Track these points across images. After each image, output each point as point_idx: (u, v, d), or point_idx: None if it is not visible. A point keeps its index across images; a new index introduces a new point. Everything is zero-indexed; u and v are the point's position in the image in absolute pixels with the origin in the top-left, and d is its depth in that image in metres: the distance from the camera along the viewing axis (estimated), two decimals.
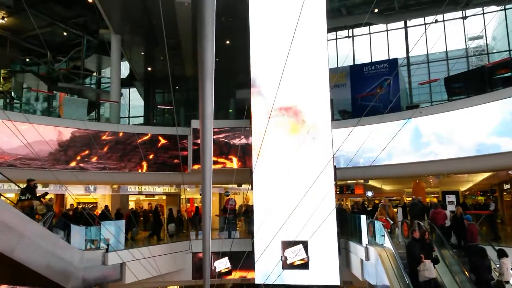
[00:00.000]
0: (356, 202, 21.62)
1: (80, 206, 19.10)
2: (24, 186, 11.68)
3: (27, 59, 28.37)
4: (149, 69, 26.27)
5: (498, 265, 9.69)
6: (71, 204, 16.21)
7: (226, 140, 17.76)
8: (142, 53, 24.39)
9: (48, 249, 8.91)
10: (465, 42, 25.12)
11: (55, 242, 9.59)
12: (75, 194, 16.33)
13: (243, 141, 17.54)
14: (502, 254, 9.77)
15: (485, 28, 25.13)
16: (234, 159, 17.57)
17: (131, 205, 22.83)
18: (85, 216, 11.70)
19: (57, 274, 9.22)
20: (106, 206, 17.00)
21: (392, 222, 13.18)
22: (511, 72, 16.47)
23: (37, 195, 11.79)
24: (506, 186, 20.02)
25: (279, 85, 13.98)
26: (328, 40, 16.95)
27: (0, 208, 7.64)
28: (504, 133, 12.86)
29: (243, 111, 17.75)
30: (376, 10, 23.82)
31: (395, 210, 14.56)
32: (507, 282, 9.39)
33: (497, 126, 13.08)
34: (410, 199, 22.84)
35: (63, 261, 9.69)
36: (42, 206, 12.09)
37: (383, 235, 12.64)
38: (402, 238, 13.14)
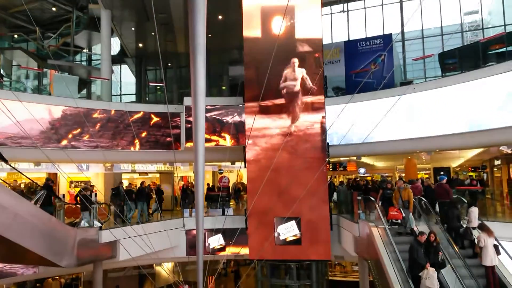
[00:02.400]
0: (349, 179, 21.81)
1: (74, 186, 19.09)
2: (42, 184, 11.82)
3: (16, 36, 27.74)
4: (141, 45, 25.82)
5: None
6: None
7: (219, 118, 17.65)
8: (133, 29, 23.91)
9: (41, 228, 8.91)
10: (460, 17, 24.87)
11: (49, 220, 9.58)
12: (67, 173, 16.27)
13: (236, 118, 17.44)
14: (471, 204, 11.53)
15: (481, 3, 24.84)
16: (228, 137, 17.51)
17: (125, 183, 22.83)
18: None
19: (51, 252, 9.25)
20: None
21: (404, 215, 11.64)
22: (505, 47, 16.42)
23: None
24: (497, 162, 20.24)
25: (271, 61, 13.83)
26: (322, 15, 16.70)
27: None
28: (496, 109, 12.87)
29: (236, 88, 17.61)
30: None
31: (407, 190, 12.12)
32: (474, 228, 10.89)
33: (490, 102, 13.09)
34: (403, 175, 23.07)
35: (57, 239, 9.71)
36: (60, 203, 12.24)
37: (375, 211, 12.82)
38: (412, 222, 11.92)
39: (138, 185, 16.84)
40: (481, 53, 16.69)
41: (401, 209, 11.69)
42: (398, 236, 11.36)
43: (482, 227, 10.16)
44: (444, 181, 12.88)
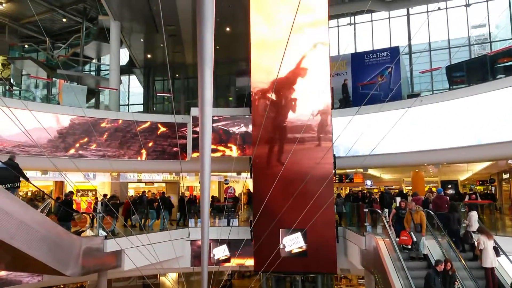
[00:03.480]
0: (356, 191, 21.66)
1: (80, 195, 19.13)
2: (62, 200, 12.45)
3: (26, 46, 28.20)
4: (149, 56, 26.10)
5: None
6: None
7: (225, 128, 17.70)
8: (142, 40, 24.21)
9: (47, 236, 8.93)
10: (468, 30, 24.88)
11: (54, 228, 9.61)
12: (74, 182, 16.35)
13: (243, 129, 17.48)
14: (471, 209, 12.07)
15: (488, 16, 24.85)
16: (234, 147, 17.53)
17: (131, 192, 22.88)
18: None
19: (56, 261, 9.26)
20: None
21: (415, 239, 10.94)
22: None
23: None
24: (505, 176, 20.03)
25: (278, 72, 13.89)
26: (329, 27, 16.78)
27: None
28: (504, 122, 12.79)
29: (243, 99, 17.70)
30: None
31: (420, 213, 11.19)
32: (474, 231, 11.13)
33: (498, 116, 13.01)
34: (410, 188, 22.90)
35: (62, 248, 9.72)
36: (79, 215, 12.47)
37: (382, 224, 12.69)
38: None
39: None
40: (489, 66, 16.62)
41: (411, 233, 11.01)
42: (411, 261, 10.85)
43: (482, 230, 10.33)
44: (442, 193, 13.63)
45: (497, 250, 9.88)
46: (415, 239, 10.92)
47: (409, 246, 10.96)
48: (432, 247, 11.24)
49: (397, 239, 11.27)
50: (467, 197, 17.04)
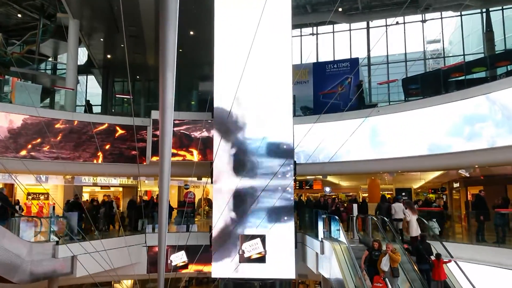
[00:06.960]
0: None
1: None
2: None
3: None
4: (109, 56, 25.40)
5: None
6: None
7: (187, 133, 17.51)
8: (102, 39, 23.53)
9: None
10: (423, 45, 26.04)
11: (1, 233, 9.12)
12: (25, 184, 15.61)
13: (204, 134, 17.35)
14: (395, 201, 14.50)
15: (442, 33, 26.14)
16: (195, 152, 17.36)
17: (85, 196, 22.12)
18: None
19: (2, 267, 8.78)
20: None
21: (389, 286, 9.59)
22: (465, 76, 17.22)
23: None
24: (456, 185, 20.99)
25: (241, 78, 13.90)
26: (292, 36, 17.03)
27: None
28: (455, 133, 13.43)
29: (206, 104, 17.58)
30: (340, 9, 24.18)
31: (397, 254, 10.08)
32: (399, 219, 13.48)
33: (449, 127, 13.65)
34: (366, 195, 23.52)
35: (9, 254, 9.24)
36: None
37: (338, 230, 12.96)
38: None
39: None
40: (442, 80, 17.42)
41: (386, 279, 9.69)
42: None
43: (408, 205, 12.74)
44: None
45: (420, 222, 12.36)
46: (390, 287, 9.59)
47: None
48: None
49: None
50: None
